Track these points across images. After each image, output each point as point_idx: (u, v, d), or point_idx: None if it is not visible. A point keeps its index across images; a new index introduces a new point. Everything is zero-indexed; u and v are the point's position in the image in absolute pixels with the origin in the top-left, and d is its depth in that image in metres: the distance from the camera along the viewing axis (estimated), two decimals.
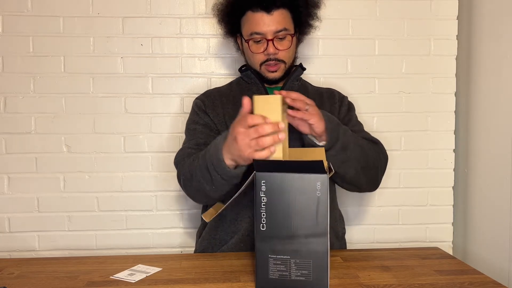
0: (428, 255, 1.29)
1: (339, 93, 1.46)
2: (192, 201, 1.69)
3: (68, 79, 1.64)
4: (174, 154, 1.67)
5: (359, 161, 1.24)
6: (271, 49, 1.31)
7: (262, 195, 1.00)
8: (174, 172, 1.67)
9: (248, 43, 1.34)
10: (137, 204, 1.68)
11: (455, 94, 1.74)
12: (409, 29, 1.71)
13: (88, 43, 1.64)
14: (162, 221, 1.69)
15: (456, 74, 1.74)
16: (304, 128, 1.15)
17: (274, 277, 1.00)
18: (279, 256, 1.00)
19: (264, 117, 1.02)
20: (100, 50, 1.64)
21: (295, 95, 1.12)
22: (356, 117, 1.45)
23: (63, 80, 1.64)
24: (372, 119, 1.71)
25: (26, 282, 1.09)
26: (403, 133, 1.73)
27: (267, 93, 1.39)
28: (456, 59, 1.73)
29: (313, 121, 1.12)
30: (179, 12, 1.66)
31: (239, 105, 1.37)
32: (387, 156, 1.39)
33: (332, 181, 1.35)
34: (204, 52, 1.68)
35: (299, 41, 1.44)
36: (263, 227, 1.00)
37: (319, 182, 1.00)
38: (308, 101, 1.14)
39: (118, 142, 1.66)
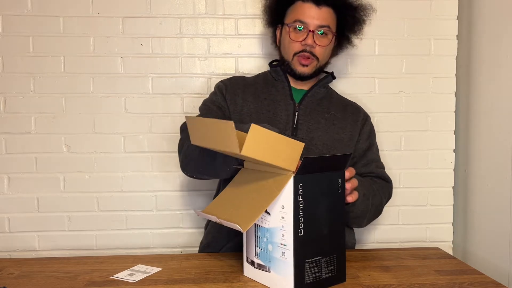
0: (428, 255, 1.30)
1: (364, 111, 1.48)
2: (192, 201, 1.69)
3: (68, 79, 1.64)
4: (174, 154, 1.68)
5: (368, 218, 1.33)
6: (309, 40, 1.32)
7: (300, 199, 0.95)
8: (174, 172, 1.68)
9: (289, 28, 1.35)
10: (137, 204, 1.68)
11: (455, 94, 1.74)
12: (409, 29, 1.71)
13: (88, 43, 1.64)
14: (162, 221, 1.69)
15: (456, 74, 1.74)
16: None
17: (309, 281, 0.98)
18: (313, 259, 0.98)
19: None
20: (100, 50, 1.64)
21: (350, 175, 1.13)
22: (376, 144, 1.48)
23: (63, 80, 1.64)
24: (372, 119, 1.71)
25: (26, 282, 1.09)
26: (403, 133, 1.73)
27: (290, 93, 1.39)
28: (456, 59, 1.73)
29: (351, 199, 1.14)
30: (179, 12, 1.66)
31: (260, 98, 1.38)
32: (391, 195, 1.46)
33: None
34: (204, 52, 1.68)
35: (335, 52, 1.46)
36: (300, 232, 0.96)
37: (340, 178, 1.01)
38: (355, 184, 1.14)
39: (118, 142, 1.66)
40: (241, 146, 0.90)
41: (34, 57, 1.62)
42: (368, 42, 1.71)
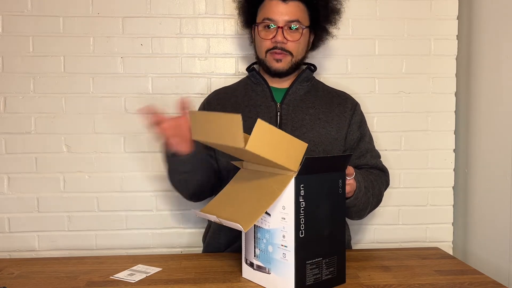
0: (428, 255, 1.30)
1: (352, 100, 1.46)
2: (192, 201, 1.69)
3: (68, 79, 1.64)
4: None
5: (369, 210, 1.33)
6: (279, 37, 1.31)
7: (301, 200, 0.95)
8: None
9: (259, 27, 1.35)
10: (137, 204, 1.68)
11: (455, 94, 1.74)
12: (409, 29, 1.71)
13: (88, 43, 1.64)
14: (162, 221, 1.69)
15: (456, 74, 1.74)
16: None
17: (310, 282, 0.98)
18: (314, 260, 0.98)
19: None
20: (100, 50, 1.64)
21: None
22: (368, 131, 1.46)
23: (63, 80, 1.64)
24: (372, 119, 1.71)
25: (26, 282, 1.10)
26: (403, 133, 1.73)
27: (271, 94, 1.38)
28: (456, 59, 1.73)
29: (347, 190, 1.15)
30: (179, 12, 1.66)
31: (241, 106, 1.38)
32: (389, 183, 1.45)
33: None
34: (204, 52, 1.68)
35: (314, 46, 1.46)
36: (301, 234, 0.96)
37: (340, 179, 1.01)
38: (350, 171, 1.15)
39: (118, 142, 1.66)
40: (245, 142, 0.91)
41: (34, 57, 1.62)
42: (368, 42, 1.71)
